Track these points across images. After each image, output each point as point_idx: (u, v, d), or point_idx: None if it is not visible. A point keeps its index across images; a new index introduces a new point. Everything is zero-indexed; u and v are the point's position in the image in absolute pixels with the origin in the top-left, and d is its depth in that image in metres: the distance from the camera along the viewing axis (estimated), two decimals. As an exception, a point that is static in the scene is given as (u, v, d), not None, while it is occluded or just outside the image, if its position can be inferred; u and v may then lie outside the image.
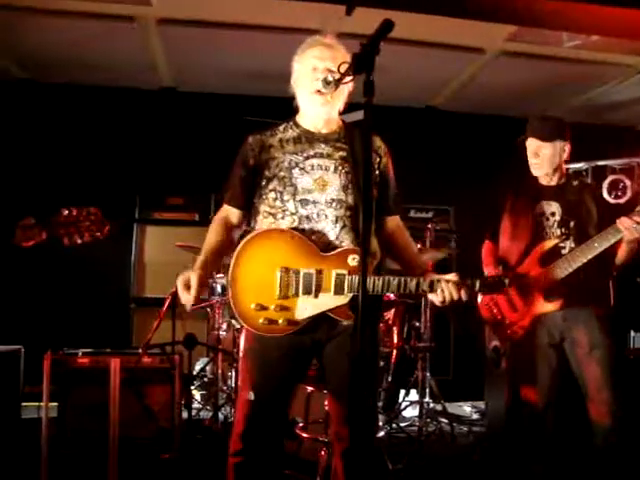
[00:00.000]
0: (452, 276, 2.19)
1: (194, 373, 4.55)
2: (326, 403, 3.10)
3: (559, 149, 2.99)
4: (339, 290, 2.14)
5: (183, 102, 5.74)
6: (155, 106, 5.71)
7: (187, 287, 2.12)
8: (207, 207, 5.62)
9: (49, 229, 2.46)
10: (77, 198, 2.63)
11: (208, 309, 4.54)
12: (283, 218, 2.23)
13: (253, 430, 2.22)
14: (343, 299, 2.14)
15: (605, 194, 5.18)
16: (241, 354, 2.40)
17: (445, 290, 2.16)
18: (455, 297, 2.17)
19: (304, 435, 3.19)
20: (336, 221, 2.21)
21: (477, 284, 2.23)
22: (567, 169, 3.19)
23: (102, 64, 5.13)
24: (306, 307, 2.15)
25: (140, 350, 3.51)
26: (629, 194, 5.30)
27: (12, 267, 4.59)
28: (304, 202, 2.22)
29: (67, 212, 2.46)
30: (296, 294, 2.15)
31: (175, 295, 3.84)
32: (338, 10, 3.96)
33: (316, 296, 2.15)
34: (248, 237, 2.22)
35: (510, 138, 5.87)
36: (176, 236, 5.30)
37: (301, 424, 3.26)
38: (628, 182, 5.31)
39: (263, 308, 2.15)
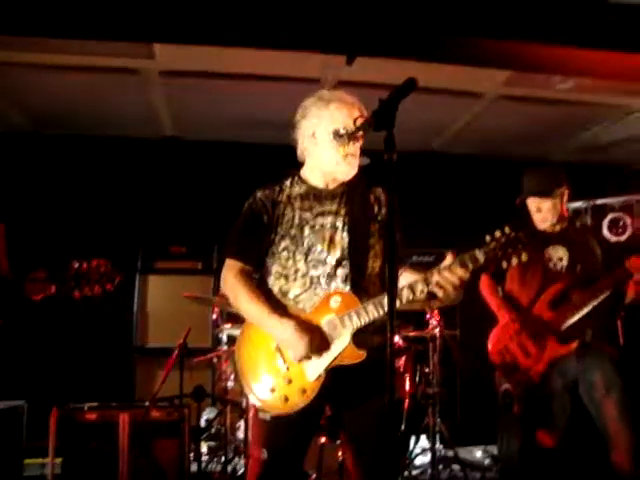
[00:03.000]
0: (446, 260, 2.04)
1: (201, 425, 4.46)
2: (340, 454, 3.05)
3: (559, 197, 3.04)
4: (336, 335, 2.11)
5: (185, 151, 5.78)
6: (157, 155, 5.75)
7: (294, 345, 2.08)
8: (210, 256, 5.61)
9: (59, 282, 2.45)
10: (79, 248, 2.62)
11: (214, 359, 4.48)
12: (295, 280, 2.21)
13: None
14: (343, 341, 2.11)
15: (605, 232, 5.23)
16: (252, 410, 2.35)
17: (441, 280, 2.01)
18: (452, 280, 1.99)
19: (317, 488, 3.12)
20: (345, 279, 2.18)
21: (479, 255, 2.01)
22: (566, 209, 3.23)
23: (104, 115, 5.21)
24: (313, 366, 2.12)
25: (147, 403, 3.46)
26: (629, 231, 5.34)
27: (12, 321, 4.55)
28: (315, 262, 2.20)
29: (77, 264, 2.45)
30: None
31: (182, 346, 3.82)
32: (338, 60, 4.03)
33: None
34: (240, 330, 2.27)
35: (509, 180, 5.95)
36: (179, 285, 5.28)
37: (314, 476, 3.18)
38: (628, 220, 5.35)
39: (274, 389, 2.13)
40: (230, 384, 4.18)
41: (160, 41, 3.93)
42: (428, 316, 4.24)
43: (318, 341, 2.10)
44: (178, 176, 5.74)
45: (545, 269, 3.01)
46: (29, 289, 2.46)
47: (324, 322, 2.13)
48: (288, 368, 2.13)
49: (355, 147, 2.21)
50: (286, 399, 2.11)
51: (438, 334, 4.22)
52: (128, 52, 4.12)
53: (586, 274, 2.94)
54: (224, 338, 4.32)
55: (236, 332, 4.17)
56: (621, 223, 5.42)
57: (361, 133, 1.99)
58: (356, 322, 2.10)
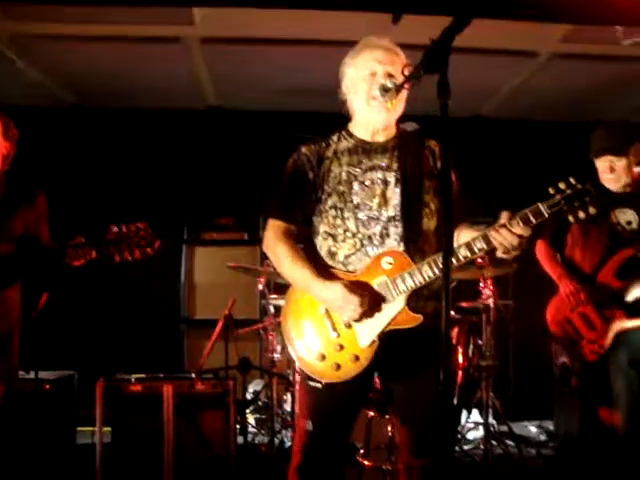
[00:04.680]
0: (502, 215, 1.89)
1: (248, 396, 4.45)
2: (389, 429, 2.95)
3: (633, 155, 2.82)
4: (389, 298, 1.99)
5: (229, 121, 5.70)
6: (201, 126, 5.69)
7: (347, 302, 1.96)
8: (256, 226, 5.56)
9: (99, 247, 2.44)
10: (125, 220, 2.59)
11: (261, 331, 4.44)
12: (344, 240, 2.07)
13: (312, 463, 2.07)
14: (397, 305, 1.99)
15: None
16: (299, 379, 2.25)
17: (499, 238, 1.85)
18: (513, 238, 1.83)
19: (365, 462, 3.04)
20: (400, 239, 2.04)
21: (543, 209, 1.85)
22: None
23: (147, 86, 5.16)
24: (365, 331, 2.00)
25: (193, 375, 3.44)
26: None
27: (58, 290, 4.62)
28: (366, 220, 2.06)
29: (116, 229, 2.45)
30: (348, 325, 2.01)
31: (227, 317, 3.78)
32: (384, 20, 3.84)
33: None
34: (286, 296, 2.15)
35: (562, 143, 5.66)
36: (225, 256, 5.25)
37: (362, 450, 3.10)
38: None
39: (324, 356, 2.02)
40: (277, 356, 4.13)
41: (198, 5, 3.82)
42: (482, 285, 4.06)
43: (369, 304, 1.97)
44: (223, 146, 5.68)
45: (612, 233, 2.80)
46: (70, 255, 2.45)
47: (375, 284, 2.00)
48: (339, 334, 2.01)
49: (387, 94, 2.01)
50: (338, 367, 2.00)
51: (492, 305, 4.05)
52: (167, 19, 4.03)
53: None
54: (271, 309, 4.26)
55: (283, 303, 4.14)
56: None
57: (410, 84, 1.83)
58: (410, 284, 1.97)
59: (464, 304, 4.11)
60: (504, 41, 4.40)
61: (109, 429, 3.40)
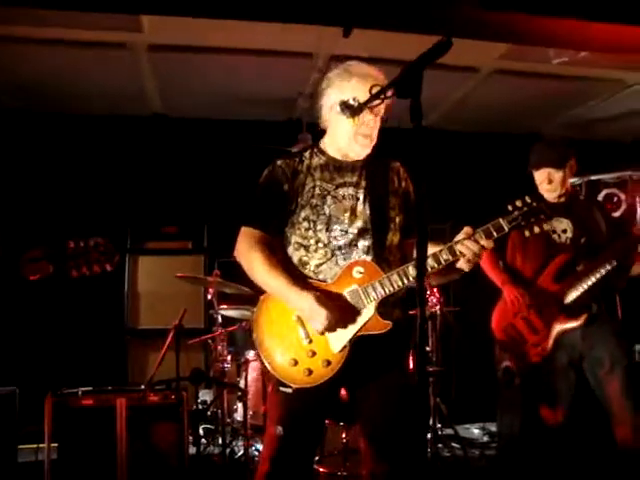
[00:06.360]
0: (464, 230, 2.04)
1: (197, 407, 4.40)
2: (344, 435, 3.00)
3: (569, 169, 3.01)
4: (360, 305, 2.07)
5: (174, 128, 5.63)
6: (146, 133, 5.60)
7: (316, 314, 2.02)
8: (201, 235, 5.52)
9: (57, 262, 2.37)
10: (68, 230, 2.54)
11: (210, 340, 4.41)
12: (316, 251, 2.15)
13: (281, 470, 2.09)
14: (368, 312, 2.07)
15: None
16: (270, 386, 2.26)
17: (463, 250, 2.00)
18: (476, 250, 1.99)
19: (320, 470, 3.08)
20: (367, 251, 2.14)
21: (504, 224, 2.03)
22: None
23: (93, 92, 5.04)
24: (337, 337, 2.07)
25: (143, 387, 3.38)
26: (623, 207, 5.36)
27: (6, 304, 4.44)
28: (337, 233, 2.15)
29: (74, 244, 2.37)
30: (321, 332, 2.07)
31: (177, 327, 3.74)
32: (333, 32, 3.92)
33: None
34: (259, 303, 2.19)
35: (502, 154, 5.88)
36: (170, 265, 5.20)
37: (316, 457, 3.14)
38: (622, 195, 5.36)
39: (297, 361, 2.07)
40: (227, 366, 4.11)
41: (148, 13, 3.79)
42: (428, 293, 4.18)
43: (341, 312, 2.05)
44: (167, 155, 5.59)
45: (548, 241, 2.98)
46: (27, 269, 2.37)
47: (347, 293, 2.09)
48: (311, 340, 2.08)
49: (369, 126, 2.15)
50: (310, 372, 2.05)
51: (438, 312, 4.17)
52: (115, 25, 3.98)
53: (591, 246, 2.93)
54: (219, 319, 4.24)
55: (231, 313, 4.14)
56: (615, 199, 5.43)
57: (379, 106, 1.90)
58: (380, 292, 2.07)
59: (411, 312, 4.21)
60: (447, 56, 4.54)
61: (55, 445, 3.29)
